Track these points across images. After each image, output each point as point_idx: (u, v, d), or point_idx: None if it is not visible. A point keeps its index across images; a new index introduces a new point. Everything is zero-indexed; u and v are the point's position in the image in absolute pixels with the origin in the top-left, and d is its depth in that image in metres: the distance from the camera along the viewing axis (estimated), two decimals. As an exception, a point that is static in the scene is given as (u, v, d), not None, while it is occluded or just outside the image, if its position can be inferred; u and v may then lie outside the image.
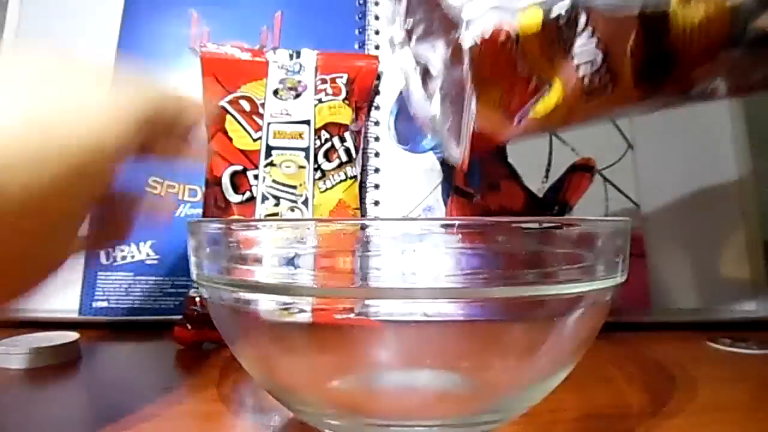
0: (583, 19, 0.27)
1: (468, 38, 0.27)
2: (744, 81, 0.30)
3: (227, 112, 0.44)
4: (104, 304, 0.45)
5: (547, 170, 0.50)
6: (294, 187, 0.43)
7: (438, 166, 0.50)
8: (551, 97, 0.29)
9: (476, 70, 0.28)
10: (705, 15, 0.27)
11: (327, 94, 0.46)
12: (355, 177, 0.46)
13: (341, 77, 0.47)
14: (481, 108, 0.30)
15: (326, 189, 0.44)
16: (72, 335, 0.37)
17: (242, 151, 0.44)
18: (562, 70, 0.28)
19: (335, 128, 0.45)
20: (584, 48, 0.28)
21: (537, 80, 0.29)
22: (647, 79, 0.29)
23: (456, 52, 0.31)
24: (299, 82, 0.46)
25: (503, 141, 0.35)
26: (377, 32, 0.53)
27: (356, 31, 0.53)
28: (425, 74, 0.37)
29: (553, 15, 0.27)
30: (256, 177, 0.43)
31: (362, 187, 0.49)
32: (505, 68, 0.28)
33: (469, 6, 0.28)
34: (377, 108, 0.51)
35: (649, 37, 0.28)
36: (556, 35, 0.27)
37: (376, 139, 0.51)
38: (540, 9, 0.27)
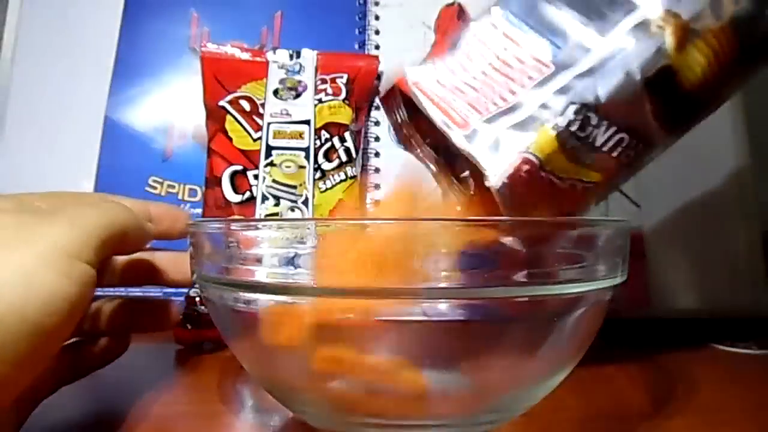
0: (593, 116, 0.27)
1: (495, 182, 0.27)
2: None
3: (227, 112, 0.44)
4: (104, 304, 0.45)
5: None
6: (294, 187, 0.43)
7: (438, 166, 0.50)
8: (597, 189, 0.30)
9: (513, 205, 0.28)
10: (707, 46, 0.27)
11: (327, 94, 0.46)
12: (355, 177, 0.46)
13: (341, 77, 0.47)
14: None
15: (326, 189, 0.44)
16: (72, 335, 0.37)
17: (242, 151, 0.44)
18: (597, 165, 0.28)
19: (335, 128, 0.45)
20: (608, 138, 0.28)
21: (578, 183, 0.29)
22: (680, 126, 0.30)
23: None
24: (299, 82, 0.46)
25: None
26: (377, 32, 0.53)
27: (356, 31, 0.53)
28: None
29: (564, 127, 0.27)
30: (256, 177, 0.43)
31: (362, 187, 0.49)
32: (542, 192, 0.28)
33: (486, 157, 0.27)
34: (377, 108, 0.51)
35: (664, 96, 0.28)
36: (576, 143, 0.27)
37: (376, 139, 0.51)
38: (548, 128, 0.27)
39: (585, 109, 0.27)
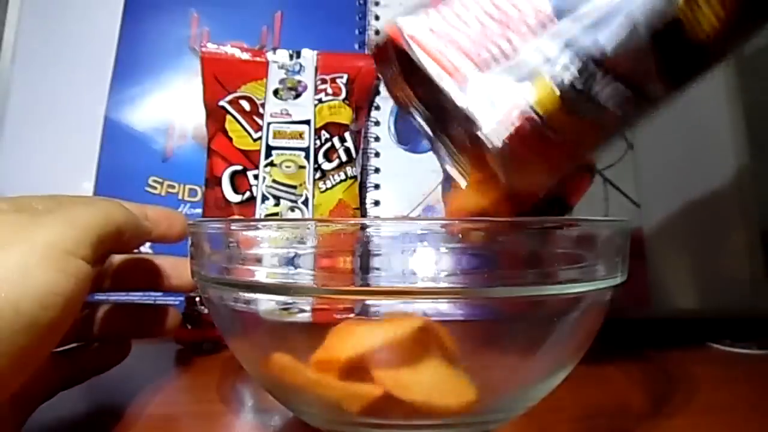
0: (598, 71, 0.25)
1: (496, 142, 0.25)
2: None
3: (227, 112, 0.44)
4: (104, 304, 0.45)
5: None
6: (294, 187, 0.43)
7: (438, 166, 0.50)
8: (594, 144, 0.29)
9: (513, 167, 0.26)
10: None
11: (327, 94, 0.46)
12: (355, 177, 0.46)
13: (341, 77, 0.47)
14: (521, 181, 0.28)
15: (326, 189, 0.44)
16: (72, 335, 0.37)
17: (242, 151, 0.44)
18: (599, 122, 0.27)
19: (335, 128, 0.45)
20: (612, 95, 0.26)
21: (578, 141, 0.27)
22: (682, 82, 0.28)
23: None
24: (299, 82, 0.46)
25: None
26: (377, 32, 0.53)
27: (356, 31, 0.53)
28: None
29: (567, 82, 0.25)
30: (256, 177, 0.43)
31: (362, 187, 0.49)
32: (542, 153, 0.26)
33: (482, 112, 0.25)
34: (377, 108, 0.51)
35: (670, 51, 0.26)
36: (580, 100, 0.25)
37: (376, 139, 0.51)
38: (551, 83, 0.25)
39: (590, 63, 0.25)
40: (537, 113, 0.25)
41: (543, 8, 0.26)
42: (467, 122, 0.25)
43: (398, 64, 0.29)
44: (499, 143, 0.25)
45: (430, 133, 0.32)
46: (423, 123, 0.31)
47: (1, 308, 0.19)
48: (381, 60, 0.31)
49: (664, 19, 0.25)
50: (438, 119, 0.31)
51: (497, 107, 0.25)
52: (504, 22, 0.26)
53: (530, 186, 0.28)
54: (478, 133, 0.25)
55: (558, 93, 0.25)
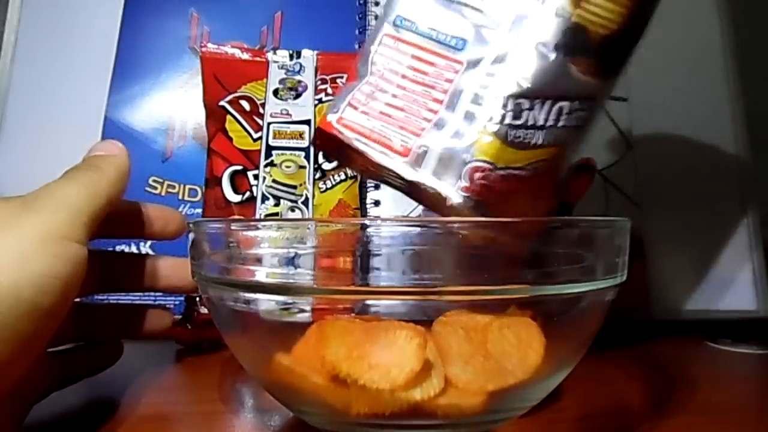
0: (524, 101, 0.27)
1: (456, 199, 0.26)
2: None
3: (227, 112, 0.44)
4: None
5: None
6: (294, 187, 0.43)
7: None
8: (562, 156, 0.29)
9: (489, 205, 0.27)
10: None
11: (327, 94, 0.46)
12: (355, 177, 0.46)
13: (341, 77, 0.47)
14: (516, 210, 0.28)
15: (326, 189, 0.44)
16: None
17: (242, 151, 0.44)
18: (549, 140, 0.27)
19: (335, 128, 0.45)
20: (547, 113, 0.27)
21: (540, 164, 0.28)
22: (615, 70, 0.29)
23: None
24: (299, 82, 0.46)
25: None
26: (377, 32, 0.53)
27: (356, 31, 0.53)
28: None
29: (499, 125, 0.26)
30: (256, 177, 0.43)
31: (362, 187, 0.49)
32: (508, 188, 0.27)
33: (433, 179, 0.26)
34: (377, 108, 0.51)
35: (585, 53, 0.27)
36: (517, 133, 0.27)
37: (376, 139, 0.51)
38: (485, 130, 0.26)
39: (512, 98, 0.26)
40: (483, 161, 0.26)
41: (454, 57, 0.27)
42: (423, 191, 0.27)
43: (345, 150, 0.29)
44: (460, 198, 0.26)
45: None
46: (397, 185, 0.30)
47: (2, 294, 0.19)
48: (329, 151, 0.31)
49: (562, 29, 0.26)
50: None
51: (448, 170, 0.26)
52: (424, 82, 0.28)
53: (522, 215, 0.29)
54: (441, 195, 0.26)
55: (493, 135, 0.26)
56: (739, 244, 0.48)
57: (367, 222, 0.37)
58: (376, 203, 0.49)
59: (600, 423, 0.27)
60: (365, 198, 0.49)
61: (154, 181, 0.47)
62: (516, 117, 0.26)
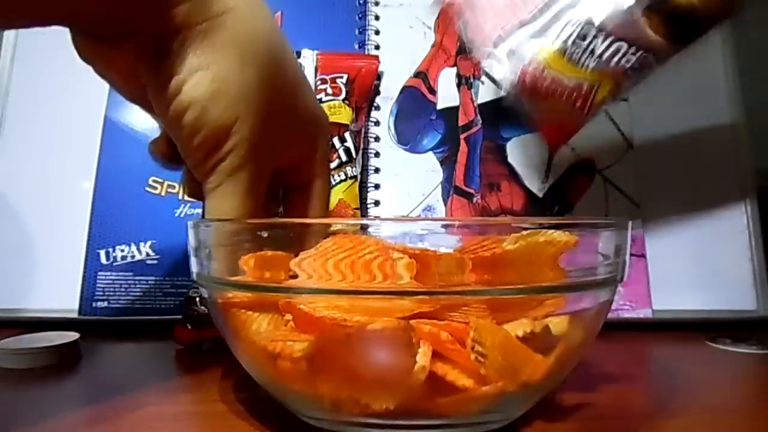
0: (591, 28, 0.33)
1: (506, 86, 0.36)
2: None
3: (227, 112, 0.44)
4: (104, 304, 0.45)
5: (547, 170, 0.50)
6: (294, 187, 0.43)
7: (438, 166, 0.50)
8: (604, 89, 0.35)
9: (527, 98, 0.36)
10: None
11: (327, 94, 0.46)
12: (355, 177, 0.46)
13: (341, 77, 0.47)
14: (548, 114, 0.38)
15: (326, 189, 0.44)
16: (72, 335, 0.37)
17: (242, 151, 0.44)
18: (600, 69, 0.34)
19: (335, 128, 0.45)
20: (606, 48, 0.34)
21: (585, 84, 0.35)
22: (686, 39, 0.34)
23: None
24: (299, 82, 0.46)
25: (575, 130, 0.41)
26: (377, 32, 0.53)
27: (356, 31, 0.53)
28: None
29: (565, 38, 0.34)
30: (256, 177, 0.43)
31: (362, 187, 0.49)
32: (548, 89, 0.35)
33: (495, 65, 0.36)
34: (377, 108, 0.51)
35: (664, 18, 0.33)
36: (575, 50, 0.34)
37: (376, 139, 0.51)
38: (552, 38, 0.34)
39: (584, 24, 0.33)
40: (537, 61, 0.34)
41: None
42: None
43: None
44: (509, 86, 0.35)
45: None
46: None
47: None
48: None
49: None
50: None
51: (511, 61, 0.35)
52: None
53: (557, 119, 0.38)
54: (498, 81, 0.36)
55: (558, 44, 0.34)
56: (739, 245, 0.48)
57: (367, 222, 0.37)
58: (376, 203, 0.49)
59: (600, 423, 0.27)
60: (365, 198, 0.49)
61: (154, 181, 0.47)
62: (579, 38, 0.33)
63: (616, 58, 0.33)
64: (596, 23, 0.33)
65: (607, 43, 0.33)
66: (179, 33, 0.23)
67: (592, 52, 0.33)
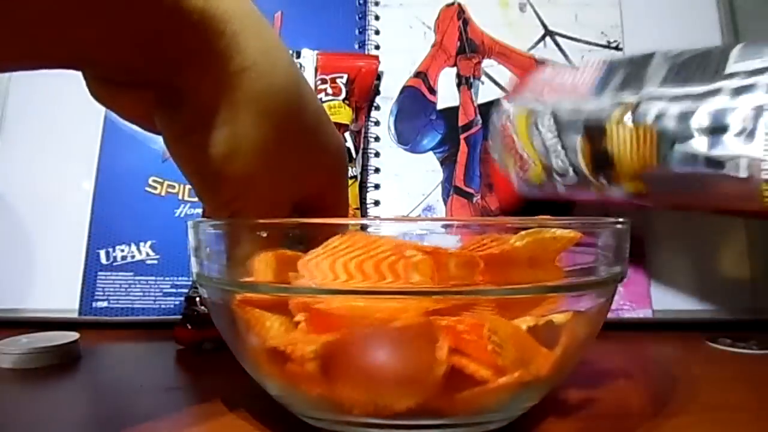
0: (548, 120, 0.39)
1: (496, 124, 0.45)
2: (668, 198, 0.36)
3: (227, 112, 0.44)
4: (104, 304, 0.45)
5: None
6: (294, 187, 0.43)
7: (438, 166, 0.50)
8: (536, 170, 0.41)
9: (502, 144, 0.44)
10: (633, 134, 0.33)
11: (327, 94, 0.46)
12: (355, 177, 0.46)
13: (341, 77, 0.47)
14: (506, 167, 0.45)
15: (326, 189, 0.44)
16: (72, 335, 0.37)
17: (242, 151, 0.44)
18: (538, 152, 0.40)
19: (335, 128, 0.45)
20: (551, 140, 0.39)
21: (526, 155, 0.42)
22: (597, 171, 0.37)
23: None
24: (299, 82, 0.46)
25: (517, 197, 0.46)
26: (377, 32, 0.53)
27: (356, 31, 0.53)
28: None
29: (531, 116, 0.40)
30: (256, 177, 0.43)
31: (362, 187, 0.49)
32: (510, 144, 0.43)
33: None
34: (377, 108, 0.51)
35: (592, 141, 0.36)
36: (532, 127, 0.40)
37: (376, 139, 0.51)
38: (524, 111, 0.41)
39: (549, 112, 0.39)
40: (514, 118, 0.43)
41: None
42: None
43: None
44: (496, 128, 0.46)
45: None
46: None
47: None
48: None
49: (597, 121, 0.36)
50: None
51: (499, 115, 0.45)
52: None
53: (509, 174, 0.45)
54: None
55: (525, 118, 0.41)
56: (739, 245, 0.48)
57: (367, 222, 0.37)
58: (376, 203, 0.49)
59: (600, 423, 0.27)
60: (365, 198, 0.49)
61: (154, 181, 0.47)
62: (539, 116, 0.40)
63: (551, 155, 0.39)
64: (554, 116, 0.38)
65: (550, 136, 0.38)
66: (198, 89, 0.23)
67: (540, 134, 0.39)
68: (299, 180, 0.26)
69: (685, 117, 0.31)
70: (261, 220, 0.23)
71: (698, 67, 0.33)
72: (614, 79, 0.36)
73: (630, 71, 0.36)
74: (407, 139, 0.51)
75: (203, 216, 0.31)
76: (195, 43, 0.22)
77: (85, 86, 0.24)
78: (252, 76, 0.23)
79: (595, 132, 0.36)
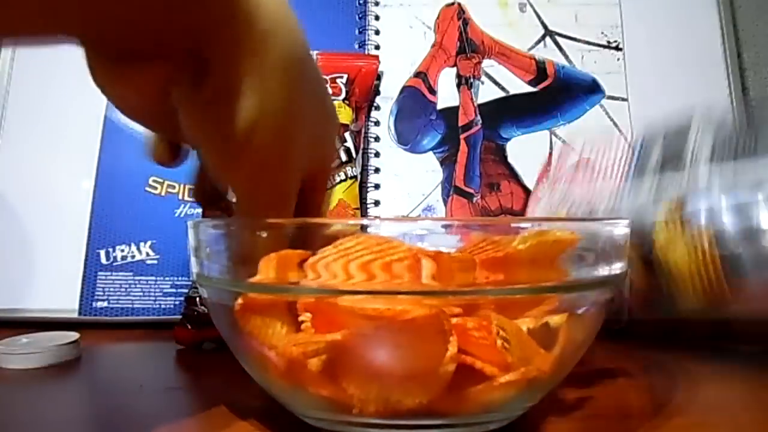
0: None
1: None
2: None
3: (227, 112, 0.44)
4: (104, 304, 0.45)
5: (547, 170, 0.50)
6: (294, 187, 0.43)
7: (438, 166, 0.50)
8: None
9: None
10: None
11: (327, 94, 0.46)
12: (355, 177, 0.46)
13: (341, 77, 0.47)
14: None
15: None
16: (72, 335, 0.37)
17: (242, 151, 0.44)
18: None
19: (335, 128, 0.46)
20: None
21: None
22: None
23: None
24: (299, 82, 0.46)
25: None
26: (377, 32, 0.53)
27: (356, 31, 0.53)
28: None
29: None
30: (256, 177, 0.43)
31: (362, 187, 0.49)
32: None
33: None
34: (377, 108, 0.51)
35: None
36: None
37: (376, 139, 0.51)
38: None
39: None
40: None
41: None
42: None
43: None
44: None
45: None
46: None
47: None
48: None
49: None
50: None
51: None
52: None
53: None
54: None
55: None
56: (739, 244, 0.48)
57: (367, 222, 0.37)
58: (376, 203, 0.49)
59: (600, 423, 0.27)
60: (365, 198, 0.49)
61: (154, 181, 0.47)
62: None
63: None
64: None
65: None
66: (226, 58, 0.22)
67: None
68: (310, 152, 0.26)
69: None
70: (261, 221, 0.23)
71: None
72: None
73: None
74: (407, 139, 0.51)
75: (203, 216, 0.31)
76: (222, 9, 0.21)
77: (87, 69, 0.23)
78: (275, 41, 0.23)
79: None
